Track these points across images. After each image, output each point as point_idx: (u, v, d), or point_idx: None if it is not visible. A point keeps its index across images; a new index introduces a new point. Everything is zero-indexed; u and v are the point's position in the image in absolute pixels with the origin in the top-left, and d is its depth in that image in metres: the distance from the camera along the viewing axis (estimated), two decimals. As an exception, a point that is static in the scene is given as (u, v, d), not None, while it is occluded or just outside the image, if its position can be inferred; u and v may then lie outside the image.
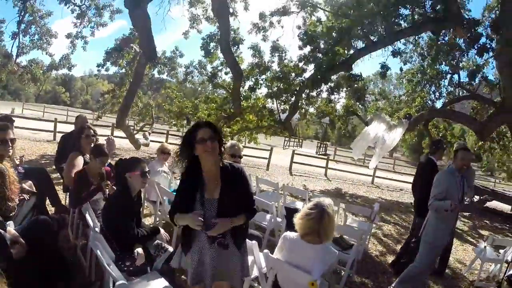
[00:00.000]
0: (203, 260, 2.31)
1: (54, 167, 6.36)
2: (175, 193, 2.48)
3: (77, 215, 3.74)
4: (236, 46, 11.85)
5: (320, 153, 28.57)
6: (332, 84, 11.80)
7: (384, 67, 9.95)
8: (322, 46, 10.83)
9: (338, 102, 14.64)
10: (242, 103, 11.93)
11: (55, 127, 13.62)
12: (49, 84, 65.76)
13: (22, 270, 2.05)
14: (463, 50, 10.65)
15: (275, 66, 12.21)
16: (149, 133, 14.15)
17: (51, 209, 4.57)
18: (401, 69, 11.74)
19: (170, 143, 6.79)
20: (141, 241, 3.04)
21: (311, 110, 14.46)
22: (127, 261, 2.76)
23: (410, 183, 6.06)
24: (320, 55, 10.56)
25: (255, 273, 2.92)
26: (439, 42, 10.29)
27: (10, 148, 2.95)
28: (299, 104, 12.56)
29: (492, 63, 11.16)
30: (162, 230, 3.36)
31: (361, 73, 11.03)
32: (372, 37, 9.74)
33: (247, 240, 2.62)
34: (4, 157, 2.90)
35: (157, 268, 2.87)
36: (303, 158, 17.07)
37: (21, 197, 3.25)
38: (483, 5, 11.47)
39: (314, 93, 12.23)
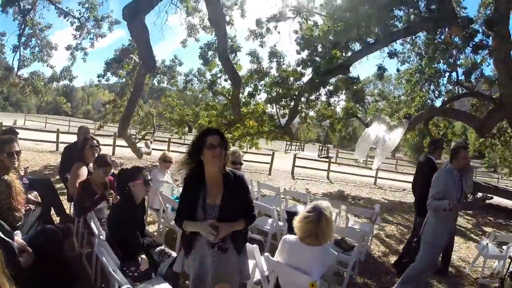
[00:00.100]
0: (204, 264, 2.37)
1: (58, 177, 6.46)
2: (178, 200, 2.54)
3: (82, 224, 3.80)
4: (234, 54, 11.94)
5: (322, 156, 28.61)
6: (331, 87, 11.88)
7: (381, 69, 9.99)
8: (319, 49, 10.90)
9: (338, 104, 14.72)
10: (242, 110, 12.00)
11: (57, 137, 13.75)
12: (50, 95, 66.13)
13: (30, 278, 2.11)
14: (460, 47, 10.69)
15: (273, 72, 12.29)
16: (151, 142, 14.22)
17: (56, 219, 4.64)
18: (398, 70, 11.78)
19: (172, 151, 6.90)
20: (145, 249, 3.11)
21: (311, 113, 14.52)
22: (132, 267, 2.83)
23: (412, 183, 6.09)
24: (317, 58, 10.62)
25: (257, 276, 2.98)
26: (436, 41, 10.33)
27: (16, 160, 3.06)
28: (299, 108, 12.63)
29: (489, 59, 11.18)
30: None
31: (358, 76, 11.10)
32: (368, 39, 9.81)
33: (248, 244, 2.70)
34: (10, 169, 3.01)
35: (161, 273, 2.95)
36: (305, 161, 17.12)
37: (27, 207, 3.34)
38: (478, 1, 11.51)
39: (313, 97, 12.30)
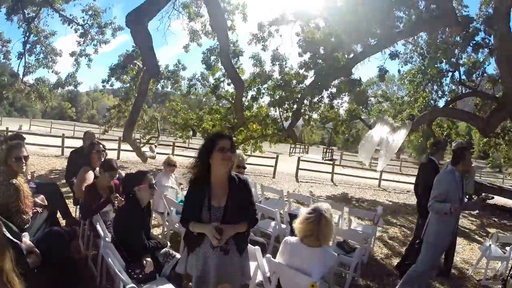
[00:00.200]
0: (206, 265, 2.44)
1: (64, 181, 6.56)
2: (182, 203, 2.60)
3: (88, 227, 3.89)
4: (236, 58, 12.05)
5: (326, 158, 28.58)
6: (334, 90, 11.92)
7: (382, 70, 10.01)
8: (321, 52, 10.96)
9: (341, 106, 14.76)
10: (245, 113, 12.08)
11: (62, 142, 13.89)
12: (55, 100, 66.72)
13: (37, 278, 2.18)
14: (461, 47, 10.68)
15: (276, 75, 12.37)
16: (156, 146, 14.34)
17: (62, 222, 4.71)
18: (399, 71, 11.81)
19: (177, 155, 6.98)
20: (150, 252, 3.18)
21: (315, 116, 14.57)
22: (137, 269, 2.90)
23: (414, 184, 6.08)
24: (320, 61, 10.68)
25: (259, 277, 3.03)
26: (438, 41, 10.33)
27: (24, 164, 3.15)
28: (302, 111, 12.69)
29: (491, 58, 11.15)
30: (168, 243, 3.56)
31: (360, 78, 11.15)
32: (368, 41, 9.85)
33: (250, 245, 2.76)
34: (18, 173, 3.10)
35: (165, 274, 3.02)
36: (309, 164, 17.12)
37: (35, 210, 3.42)
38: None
39: (315, 100, 12.35)
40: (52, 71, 13.62)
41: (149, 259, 3.03)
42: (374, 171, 16.40)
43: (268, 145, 15.56)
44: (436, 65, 12.39)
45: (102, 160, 4.46)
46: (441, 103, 13.66)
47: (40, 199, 3.83)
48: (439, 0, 8.32)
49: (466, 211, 10.61)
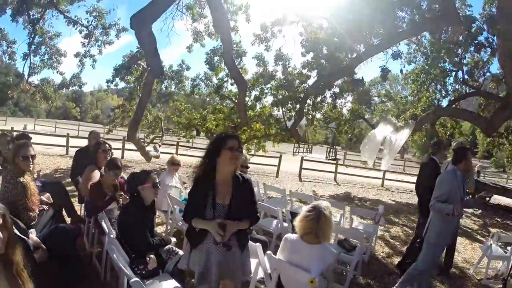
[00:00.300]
0: (209, 260, 2.51)
1: (69, 180, 6.65)
2: (187, 199, 2.67)
3: (93, 224, 3.97)
4: (240, 58, 12.12)
5: (330, 158, 28.57)
6: (337, 90, 11.96)
7: (385, 70, 10.01)
8: (324, 52, 11.00)
9: (345, 106, 14.79)
10: (248, 113, 12.14)
11: (67, 141, 14.00)
12: (59, 100, 67.05)
13: (44, 272, 2.26)
14: (464, 46, 10.66)
15: (279, 75, 12.42)
16: (159, 145, 14.42)
17: (67, 220, 4.78)
18: (401, 71, 11.80)
19: (180, 154, 7.06)
20: (154, 249, 3.26)
21: (318, 115, 14.60)
22: (140, 265, 2.97)
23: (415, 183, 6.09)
24: (323, 61, 10.72)
25: (260, 274, 3.09)
26: (441, 41, 10.32)
27: (31, 163, 3.24)
28: (305, 110, 12.74)
29: (495, 58, 11.11)
30: (173, 239, 3.64)
31: (363, 78, 11.16)
32: (371, 41, 9.87)
33: (251, 243, 2.84)
34: (25, 171, 3.19)
35: (168, 270, 3.09)
36: (313, 164, 17.15)
37: (41, 208, 3.50)
38: (483, -1, 11.43)
39: (318, 99, 12.39)
40: (57, 72, 13.77)
41: (152, 255, 3.10)
42: (377, 171, 16.39)
43: (272, 145, 15.60)
44: (439, 65, 12.38)
45: (108, 159, 4.54)
46: (444, 103, 13.68)
47: (46, 197, 3.90)
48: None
49: (469, 211, 10.63)
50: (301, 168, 15.52)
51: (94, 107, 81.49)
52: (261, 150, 14.78)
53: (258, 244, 2.94)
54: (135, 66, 13.28)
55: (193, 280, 3.38)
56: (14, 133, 9.63)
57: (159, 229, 5.46)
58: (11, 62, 14.39)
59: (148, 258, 3.05)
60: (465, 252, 6.54)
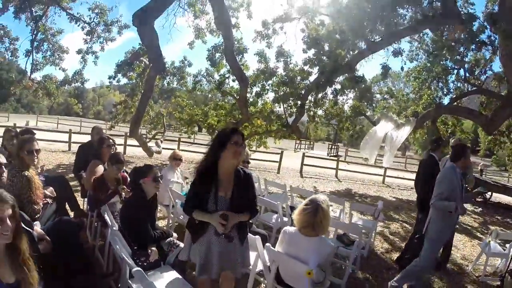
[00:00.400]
0: (210, 252, 2.58)
1: (71, 175, 6.72)
2: (189, 190, 2.74)
3: (96, 217, 4.05)
4: (241, 55, 12.14)
5: (332, 154, 28.59)
6: (339, 86, 11.97)
7: (385, 67, 10.01)
8: (326, 48, 11.03)
9: (346, 103, 14.81)
10: (250, 109, 12.18)
11: (69, 137, 14.11)
12: (61, 97, 67.17)
13: (48, 263, 2.32)
14: (466, 44, 10.64)
15: (280, 71, 12.44)
16: (161, 141, 14.51)
17: (70, 214, 4.85)
18: (402, 68, 11.75)
19: (182, 150, 7.13)
20: (156, 241, 3.34)
21: (320, 112, 14.63)
22: (142, 257, 3.05)
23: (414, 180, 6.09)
24: (324, 57, 10.74)
25: (259, 266, 3.16)
26: (444, 38, 10.30)
27: (36, 157, 3.31)
28: (307, 107, 12.78)
29: (497, 56, 11.09)
30: (175, 234, 3.71)
31: (363, 75, 11.19)
32: (372, 38, 9.87)
33: (251, 235, 2.92)
34: (30, 166, 3.26)
35: (169, 262, 3.17)
36: (314, 160, 17.20)
37: (45, 202, 3.57)
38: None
39: (319, 96, 12.42)
40: (59, 68, 13.79)
41: (154, 248, 3.18)
42: (379, 168, 16.42)
43: (273, 141, 15.65)
44: (441, 63, 12.37)
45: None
46: (446, 101, 13.66)
47: (50, 191, 3.97)
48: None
49: (469, 209, 10.67)
50: (302, 164, 15.57)
51: (96, 104, 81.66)
52: (263, 146, 14.83)
53: (257, 236, 3.00)
54: (137, 62, 13.32)
55: (194, 272, 3.46)
56: (18, 129, 9.69)
57: (161, 223, 5.53)
58: (13, 59, 14.46)
59: (149, 250, 3.13)
60: (464, 249, 6.56)
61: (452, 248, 6.03)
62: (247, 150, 4.60)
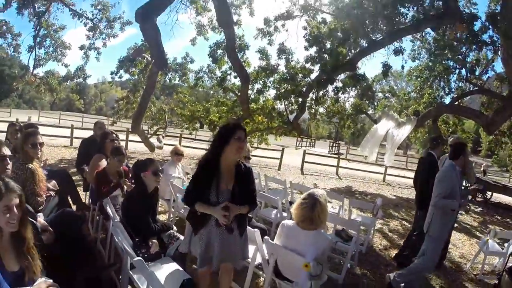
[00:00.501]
0: (210, 244, 2.66)
1: (73, 170, 6.77)
2: (190, 183, 2.79)
3: (97, 211, 4.11)
4: (243, 52, 12.18)
5: (333, 152, 28.61)
6: (340, 84, 11.98)
7: (386, 66, 10.01)
8: (328, 46, 11.05)
9: (348, 101, 14.83)
10: (251, 106, 12.23)
11: (71, 133, 14.17)
12: (63, 92, 67.01)
13: (51, 254, 2.38)
14: (467, 44, 10.63)
15: (282, 68, 12.49)
16: (163, 137, 14.57)
17: (72, 207, 4.91)
18: (402, 67, 11.71)
19: (183, 146, 7.19)
20: (156, 234, 3.41)
21: (321, 110, 14.66)
22: (143, 249, 3.11)
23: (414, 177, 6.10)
24: (325, 55, 10.76)
25: (258, 259, 3.21)
26: (446, 38, 10.30)
27: (39, 150, 3.37)
28: (308, 104, 12.81)
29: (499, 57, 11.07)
30: (175, 227, 3.77)
31: (364, 73, 11.22)
32: (373, 37, 9.88)
33: (250, 228, 2.99)
34: (34, 158, 3.33)
35: (169, 254, 3.23)
36: (315, 157, 17.23)
37: (48, 194, 3.63)
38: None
39: (321, 93, 12.45)
40: (62, 64, 13.87)
41: (155, 240, 3.24)
42: (379, 166, 16.44)
43: (274, 138, 15.70)
44: (443, 62, 12.37)
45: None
46: (447, 100, 13.66)
47: (52, 184, 4.02)
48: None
49: (470, 208, 10.69)
50: (303, 161, 15.61)
51: (98, 99, 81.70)
52: (264, 143, 14.88)
53: (256, 230, 3.06)
54: (140, 58, 13.37)
55: (194, 265, 3.52)
56: (21, 124, 9.75)
57: (162, 217, 5.58)
58: (16, 55, 14.54)
59: (150, 243, 3.20)
60: (463, 247, 6.59)
61: (451, 247, 6.11)
62: (248, 146, 4.66)
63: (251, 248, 3.05)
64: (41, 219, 2.98)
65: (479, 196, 12.21)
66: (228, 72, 12.91)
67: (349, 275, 4.39)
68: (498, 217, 10.50)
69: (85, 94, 78.55)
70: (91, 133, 6.02)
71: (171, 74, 15.09)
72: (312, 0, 11.88)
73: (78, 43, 13.69)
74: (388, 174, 15.75)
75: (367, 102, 13.76)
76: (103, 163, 4.37)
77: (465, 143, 4.54)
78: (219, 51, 12.31)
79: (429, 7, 8.86)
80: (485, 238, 5.47)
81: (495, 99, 11.85)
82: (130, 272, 2.77)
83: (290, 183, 7.04)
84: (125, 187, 3.93)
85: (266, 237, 2.99)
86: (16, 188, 2.04)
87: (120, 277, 2.99)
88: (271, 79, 12.61)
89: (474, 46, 9.93)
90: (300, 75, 12.10)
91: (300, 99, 11.93)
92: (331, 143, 33.57)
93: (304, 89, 11.80)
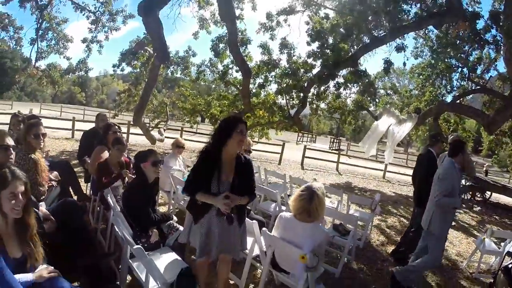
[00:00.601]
0: (210, 234, 2.72)
1: (75, 161, 6.82)
2: (191, 173, 2.84)
3: (98, 201, 4.18)
4: (244, 46, 12.17)
5: (333, 148, 28.63)
6: (342, 80, 11.98)
7: (387, 63, 9.99)
8: (330, 41, 11.05)
9: (350, 97, 14.83)
10: (252, 100, 12.25)
11: (73, 125, 14.23)
12: (65, 85, 67.02)
13: (52, 242, 2.43)
14: (470, 42, 10.59)
15: (284, 63, 12.49)
16: (164, 130, 14.62)
17: (74, 197, 4.96)
18: (404, 64, 11.66)
19: (185, 139, 7.23)
20: (156, 224, 3.46)
21: (322, 105, 14.67)
22: (143, 239, 3.16)
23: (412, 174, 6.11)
24: (327, 51, 10.76)
25: (256, 251, 3.27)
26: (449, 36, 10.27)
27: (42, 141, 3.43)
28: (309, 99, 12.82)
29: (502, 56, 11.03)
30: (175, 218, 3.83)
31: (366, 69, 11.22)
32: (376, 33, 9.87)
33: (249, 220, 3.06)
34: (36, 149, 3.38)
35: (169, 244, 3.29)
36: (316, 153, 17.27)
37: (50, 184, 3.68)
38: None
39: (322, 89, 12.46)
40: (64, 57, 13.86)
41: (155, 230, 3.30)
42: (379, 163, 16.45)
43: (275, 133, 15.73)
44: (445, 60, 12.34)
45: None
46: (449, 98, 13.63)
47: (54, 175, 4.07)
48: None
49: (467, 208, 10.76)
50: (303, 156, 15.65)
51: (100, 92, 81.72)
52: (265, 137, 14.92)
53: (254, 221, 3.11)
54: (142, 51, 13.37)
55: (193, 256, 3.58)
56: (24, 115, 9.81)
57: (162, 209, 5.62)
58: (17, 47, 14.55)
59: (150, 232, 3.26)
60: (460, 245, 6.62)
61: (448, 244, 6.15)
62: (248, 139, 4.70)
63: (249, 240, 3.11)
64: (43, 208, 3.04)
65: (478, 195, 12.23)
66: (230, 66, 12.93)
67: (346, 269, 4.43)
68: (497, 217, 10.51)
69: (86, 87, 78.58)
70: (92, 125, 6.07)
71: (173, 68, 15.08)
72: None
73: (80, 36, 13.69)
74: (388, 171, 15.77)
75: (368, 98, 13.73)
76: (105, 154, 4.42)
77: (464, 141, 4.56)
78: (221, 45, 12.31)
79: (431, 5, 8.83)
80: (481, 236, 5.49)
81: (497, 98, 11.81)
82: (130, 261, 2.83)
83: (290, 177, 7.09)
84: (126, 178, 3.98)
85: (264, 228, 3.04)
86: (21, 175, 2.11)
87: (120, 266, 3.06)
88: (273, 73, 12.63)
89: (476, 45, 9.89)
90: (301, 70, 12.11)
91: (302, 94, 11.95)
92: (332, 139, 33.58)
93: (305, 84, 11.81)
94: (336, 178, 13.76)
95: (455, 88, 13.63)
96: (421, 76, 14.22)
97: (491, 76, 12.62)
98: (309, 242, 2.71)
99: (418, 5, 9.07)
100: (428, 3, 8.92)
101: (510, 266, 3.83)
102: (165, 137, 13.78)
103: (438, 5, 8.72)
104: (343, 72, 11.78)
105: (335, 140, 32.80)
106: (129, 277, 3.23)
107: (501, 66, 14.05)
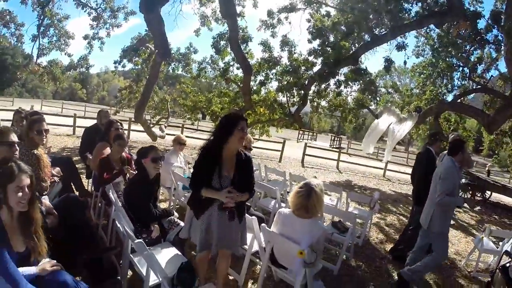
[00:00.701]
0: (210, 229, 2.76)
1: (76, 158, 6.86)
2: (194, 169, 2.89)
3: (100, 197, 4.22)
4: (245, 43, 12.17)
5: (334, 146, 28.65)
6: (342, 78, 11.99)
7: (388, 61, 9.99)
8: (331, 39, 11.05)
9: (350, 95, 14.83)
10: (253, 97, 12.26)
11: (74, 122, 14.26)
12: (66, 82, 66.95)
13: (55, 236, 2.47)
14: (470, 41, 10.59)
15: (285, 60, 12.49)
16: (165, 126, 14.64)
17: (75, 193, 5.00)
18: (404, 63, 11.63)
19: (185, 136, 7.25)
20: (157, 219, 3.51)
21: (323, 103, 14.67)
22: (144, 234, 3.21)
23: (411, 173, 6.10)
24: (328, 48, 10.76)
25: (255, 247, 3.31)
26: (450, 35, 10.26)
27: (44, 137, 3.47)
28: (310, 97, 12.83)
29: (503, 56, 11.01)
30: (175, 213, 3.87)
31: (366, 67, 11.22)
32: (376, 32, 9.87)
33: (248, 216, 3.11)
34: (39, 145, 3.42)
35: (169, 239, 3.33)
36: (316, 151, 17.29)
37: (52, 180, 3.72)
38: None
39: (323, 87, 12.47)
40: (65, 53, 13.88)
41: (156, 225, 3.34)
42: (380, 161, 16.46)
43: (275, 130, 15.76)
44: (446, 59, 12.33)
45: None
46: (450, 97, 13.62)
47: (56, 171, 4.10)
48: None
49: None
50: (304, 154, 15.69)
51: (101, 89, 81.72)
52: (265, 134, 14.95)
53: (253, 217, 3.15)
54: (143, 48, 13.38)
55: (193, 252, 3.62)
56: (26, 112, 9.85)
57: (162, 205, 5.67)
58: (18, 44, 14.55)
59: (151, 227, 3.30)
60: (459, 244, 6.64)
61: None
62: (249, 136, 4.74)
63: (249, 236, 3.15)
64: (46, 201, 3.08)
65: (478, 195, 12.24)
66: (231, 63, 12.93)
67: (344, 266, 4.47)
68: (496, 217, 10.52)
69: (87, 83, 78.63)
70: (93, 122, 6.10)
71: (174, 64, 15.09)
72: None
73: (82, 33, 13.67)
74: (388, 170, 15.79)
75: (369, 97, 13.73)
76: (107, 151, 4.45)
77: (464, 140, 4.58)
78: (222, 42, 12.29)
79: (432, 4, 8.82)
80: (480, 235, 5.50)
81: (498, 98, 11.80)
82: (131, 255, 2.87)
83: (290, 174, 7.12)
84: (128, 174, 4.03)
85: (263, 224, 3.08)
86: (27, 169, 2.16)
87: (121, 261, 3.10)
88: (274, 71, 12.62)
89: (477, 45, 9.88)
90: (302, 67, 12.10)
91: (302, 92, 11.95)
92: (333, 137, 33.60)
93: (306, 82, 11.81)
94: (336, 176, 13.80)
95: (456, 87, 13.63)
96: (422, 75, 14.21)
97: (492, 75, 12.62)
98: (307, 238, 2.75)
99: (419, 4, 9.05)
100: (429, 2, 8.91)
101: (507, 265, 3.85)
102: (166, 133, 13.82)
103: (439, 4, 8.71)
104: (344, 70, 11.80)
105: (336, 138, 32.82)
106: (130, 272, 3.27)
107: (502, 66, 14.07)
